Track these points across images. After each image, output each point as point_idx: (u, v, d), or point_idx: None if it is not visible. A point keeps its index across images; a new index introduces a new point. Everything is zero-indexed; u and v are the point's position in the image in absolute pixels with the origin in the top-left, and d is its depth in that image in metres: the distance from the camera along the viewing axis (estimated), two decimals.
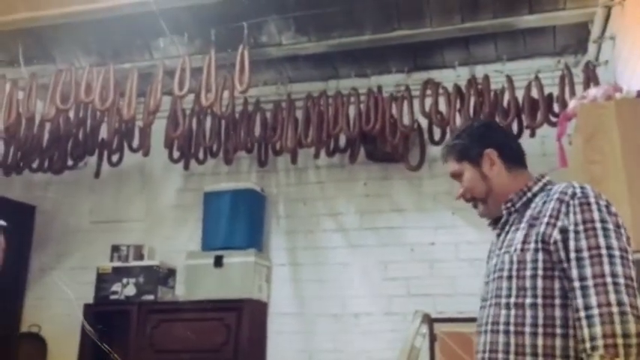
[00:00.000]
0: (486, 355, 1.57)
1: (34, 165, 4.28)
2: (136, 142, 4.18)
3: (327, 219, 4.21)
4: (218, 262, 3.95)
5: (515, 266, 1.55)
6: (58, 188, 4.69)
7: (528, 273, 1.52)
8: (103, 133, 4.17)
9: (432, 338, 3.53)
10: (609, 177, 2.20)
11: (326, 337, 3.99)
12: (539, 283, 1.50)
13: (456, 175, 1.77)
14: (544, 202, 1.58)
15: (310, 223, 4.23)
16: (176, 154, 4.24)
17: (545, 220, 1.53)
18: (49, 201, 4.73)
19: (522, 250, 1.55)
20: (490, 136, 1.76)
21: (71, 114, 4.09)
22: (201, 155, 4.22)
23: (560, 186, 1.59)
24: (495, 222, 1.75)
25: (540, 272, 1.51)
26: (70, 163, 4.29)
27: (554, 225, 1.51)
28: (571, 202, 1.52)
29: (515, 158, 1.73)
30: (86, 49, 4.10)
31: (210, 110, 3.86)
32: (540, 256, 1.52)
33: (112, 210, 4.60)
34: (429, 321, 3.55)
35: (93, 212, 4.63)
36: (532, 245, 1.53)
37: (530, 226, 1.57)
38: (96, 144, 4.22)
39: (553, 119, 3.57)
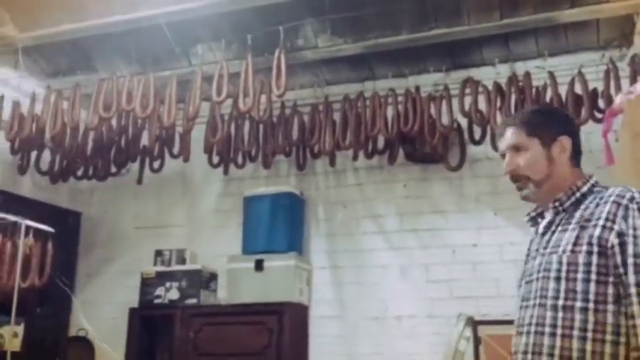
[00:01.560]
0: (528, 356, 1.52)
1: (79, 172, 4.39)
2: (176, 149, 4.25)
3: (367, 221, 4.18)
4: (259, 265, 3.97)
5: (564, 267, 1.50)
6: (102, 195, 4.81)
7: (580, 276, 1.47)
8: (145, 140, 4.25)
9: (477, 341, 3.47)
10: None
11: (367, 341, 3.97)
12: (592, 287, 1.46)
13: (516, 148, 1.66)
14: (597, 205, 1.54)
15: (350, 226, 4.21)
16: (215, 159, 4.29)
17: (601, 222, 1.49)
18: (94, 207, 4.84)
19: (573, 251, 1.50)
20: (569, 124, 1.73)
21: (113, 122, 4.18)
22: (240, 160, 4.25)
23: (616, 189, 1.55)
24: (533, 220, 1.71)
25: (594, 276, 1.46)
26: (113, 170, 4.39)
27: (611, 229, 1.47)
28: (630, 205, 1.48)
29: (579, 155, 1.70)
30: (127, 58, 4.19)
31: (249, 115, 3.89)
32: (594, 259, 1.47)
33: (155, 215, 4.68)
34: (473, 324, 3.49)
35: (136, 218, 4.73)
36: (585, 247, 1.49)
37: (582, 227, 1.52)
38: (138, 151, 4.30)
39: (598, 115, 3.47)
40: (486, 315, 3.64)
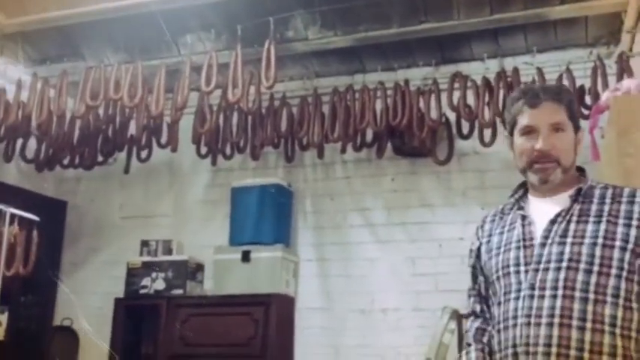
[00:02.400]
0: (553, 349, 1.45)
1: (65, 161, 4.35)
2: (164, 138, 4.22)
3: (355, 214, 4.19)
4: (245, 257, 3.97)
5: (597, 260, 1.49)
6: (88, 184, 4.77)
7: (614, 271, 1.48)
8: (132, 129, 4.22)
9: (461, 334, 3.49)
10: None
11: (353, 333, 3.98)
12: (623, 284, 1.47)
13: (556, 128, 1.57)
14: (618, 202, 1.55)
15: (337, 219, 4.22)
16: (204, 150, 4.27)
17: (635, 223, 1.51)
18: (80, 196, 4.81)
19: (605, 245, 1.50)
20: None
21: (101, 111, 4.14)
22: (228, 151, 4.24)
23: (637, 190, 1.58)
24: (517, 203, 1.68)
25: (625, 274, 1.48)
26: (100, 159, 4.35)
27: None
28: None
29: None
30: (115, 46, 4.15)
31: (237, 106, 3.87)
32: (627, 256, 1.48)
33: (142, 205, 4.65)
34: (458, 317, 3.51)
35: (123, 207, 4.70)
36: (618, 243, 1.49)
37: (609, 222, 1.52)
38: (125, 140, 4.27)
39: (585, 112, 3.49)
40: None
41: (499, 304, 1.60)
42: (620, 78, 3.33)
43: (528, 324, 1.49)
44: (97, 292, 4.44)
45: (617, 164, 2.23)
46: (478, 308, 1.79)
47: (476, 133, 3.77)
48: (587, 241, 1.51)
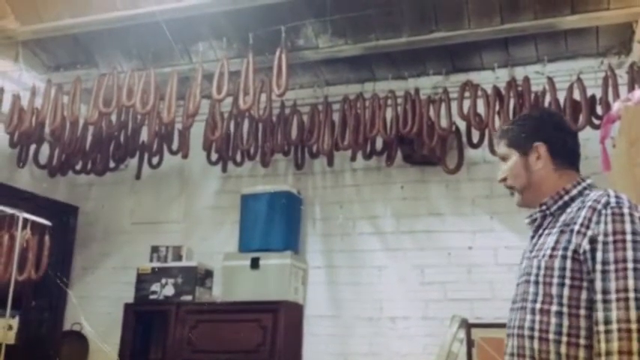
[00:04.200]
0: (515, 358, 1.56)
1: (78, 167, 4.39)
2: (175, 145, 4.25)
3: (364, 222, 4.20)
4: (255, 263, 3.98)
5: (542, 272, 1.53)
6: (100, 189, 4.81)
7: (555, 280, 1.50)
8: (144, 135, 4.25)
9: (470, 344, 3.48)
10: None
11: (362, 341, 3.98)
12: (566, 291, 1.47)
13: (503, 159, 1.76)
14: (579, 209, 1.55)
15: (346, 226, 4.22)
16: (214, 157, 4.30)
17: (577, 228, 1.50)
18: (92, 202, 4.85)
19: (551, 256, 1.52)
20: (546, 129, 1.71)
21: (113, 117, 4.18)
22: (238, 158, 4.26)
23: (596, 193, 1.55)
24: (534, 222, 1.71)
25: (568, 281, 1.48)
26: (111, 165, 4.39)
27: (585, 234, 1.48)
28: (603, 211, 1.48)
29: (566, 157, 1.68)
30: (128, 53, 4.20)
31: (248, 113, 3.90)
32: (569, 264, 1.49)
33: (152, 211, 4.68)
34: (467, 326, 3.50)
35: (133, 213, 4.73)
36: (560, 252, 1.51)
37: (561, 232, 1.54)
38: (137, 146, 4.31)
39: (596, 122, 3.49)
40: (480, 318, 3.66)
41: None
42: (631, 88, 3.33)
43: (508, 335, 1.62)
44: (106, 297, 4.48)
45: (628, 174, 2.22)
46: None
47: (486, 142, 3.76)
48: (540, 253, 1.56)
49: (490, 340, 3.45)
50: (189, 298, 4.07)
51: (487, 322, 3.59)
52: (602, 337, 1.38)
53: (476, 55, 4.03)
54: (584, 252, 1.46)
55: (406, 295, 3.97)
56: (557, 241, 1.53)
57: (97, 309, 4.47)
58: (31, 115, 4.02)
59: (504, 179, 1.74)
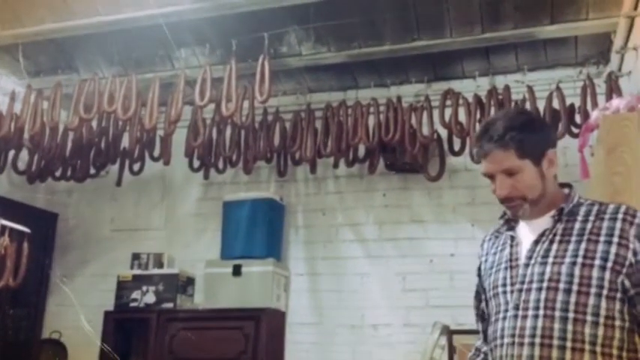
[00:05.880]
0: None
1: (57, 173, 4.34)
2: (157, 152, 4.23)
3: (346, 229, 4.20)
4: (237, 271, 3.96)
5: (576, 280, 1.49)
6: (80, 196, 4.76)
7: (593, 290, 1.48)
8: (125, 142, 4.22)
9: (451, 350, 3.50)
10: (632, 188, 2.17)
11: (344, 348, 3.98)
12: (603, 302, 1.47)
13: (510, 172, 1.57)
14: (601, 219, 1.54)
15: (329, 233, 4.23)
16: (196, 164, 4.28)
17: (615, 240, 1.50)
18: (71, 209, 4.79)
19: (584, 264, 1.50)
20: (551, 133, 1.68)
21: (94, 123, 4.14)
22: (221, 165, 4.24)
23: (619, 206, 1.57)
24: (508, 222, 1.69)
25: (605, 292, 1.48)
26: (92, 171, 4.34)
27: (627, 247, 1.49)
28: None
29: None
30: (109, 59, 4.16)
31: (231, 120, 3.89)
32: (607, 275, 1.48)
33: (133, 218, 4.64)
34: (448, 333, 3.52)
35: (114, 220, 4.68)
36: (598, 262, 1.49)
37: (590, 241, 1.52)
38: (118, 153, 4.27)
39: (575, 130, 3.54)
40: (462, 324, 3.66)
41: (491, 323, 1.65)
42: (609, 97, 3.38)
43: (513, 344, 1.52)
44: (86, 304, 4.41)
45: (607, 182, 2.25)
46: (480, 327, 1.87)
47: (467, 149, 3.79)
48: (567, 260, 1.52)
49: (472, 347, 3.46)
50: (170, 305, 4.03)
51: (469, 329, 3.59)
52: None
53: (457, 64, 4.07)
54: (631, 264, 1.47)
55: (388, 303, 3.97)
56: (587, 249, 1.51)
57: (76, 317, 4.40)
58: (10, 121, 3.97)
59: (510, 193, 1.58)
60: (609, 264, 1.48)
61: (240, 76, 3.71)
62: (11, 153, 4.23)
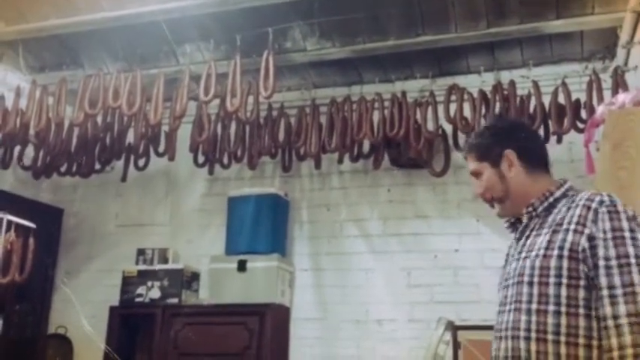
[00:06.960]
0: None
1: (63, 169, 4.35)
2: (161, 147, 4.23)
3: (351, 225, 4.20)
4: (241, 266, 3.97)
5: (537, 272, 1.53)
6: (85, 192, 4.77)
7: (552, 280, 1.50)
8: (130, 137, 4.23)
9: (456, 346, 3.50)
10: (637, 183, 2.16)
11: (348, 343, 3.98)
12: (564, 291, 1.48)
13: (476, 174, 1.76)
14: (568, 209, 1.57)
15: (333, 229, 4.23)
16: (201, 159, 4.28)
17: (572, 227, 1.52)
18: (77, 204, 4.81)
19: (545, 255, 1.53)
20: (511, 136, 1.74)
21: (99, 119, 4.15)
22: (225, 160, 4.25)
23: (587, 193, 1.58)
24: (513, 225, 1.74)
25: (565, 280, 1.48)
26: (97, 167, 4.35)
27: (582, 232, 1.49)
28: (599, 209, 1.50)
29: (536, 161, 1.71)
30: (114, 55, 4.17)
31: (235, 115, 3.89)
32: (565, 263, 1.49)
33: (138, 214, 4.65)
34: (453, 328, 3.52)
35: (119, 216, 4.70)
36: (556, 252, 1.51)
37: (554, 231, 1.55)
38: (123, 148, 4.28)
39: (580, 125, 3.52)
40: (466, 320, 3.67)
41: None
42: (615, 92, 3.37)
43: (498, 338, 1.60)
44: (92, 300, 4.44)
45: (612, 177, 2.25)
46: None
47: (470, 136, 3.77)
48: (532, 254, 1.56)
49: (476, 342, 3.47)
50: (175, 301, 4.05)
51: (473, 324, 3.61)
52: (613, 331, 1.39)
53: (462, 59, 4.06)
54: (583, 250, 1.48)
55: (393, 298, 3.98)
56: (550, 241, 1.53)
57: (82, 312, 4.43)
58: (16, 117, 3.98)
59: (482, 193, 1.76)
60: (565, 252, 1.50)
61: (245, 71, 3.71)
62: (17, 149, 4.25)
